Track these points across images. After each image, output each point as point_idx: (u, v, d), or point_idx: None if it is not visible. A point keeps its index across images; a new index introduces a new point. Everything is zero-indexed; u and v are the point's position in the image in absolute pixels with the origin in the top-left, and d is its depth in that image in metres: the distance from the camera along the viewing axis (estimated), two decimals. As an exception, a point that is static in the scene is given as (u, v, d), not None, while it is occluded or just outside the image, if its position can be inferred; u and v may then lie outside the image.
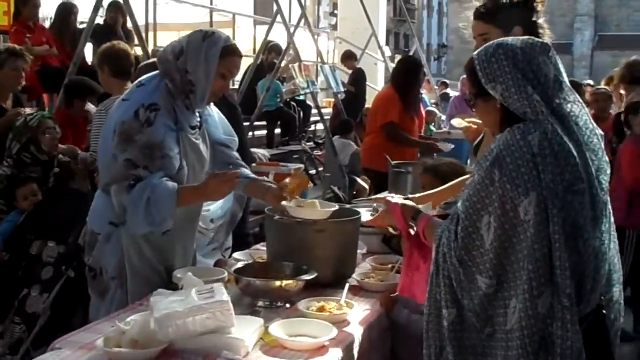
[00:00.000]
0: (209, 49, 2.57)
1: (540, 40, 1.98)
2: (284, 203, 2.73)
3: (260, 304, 2.47)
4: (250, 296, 2.49)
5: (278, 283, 2.44)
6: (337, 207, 2.80)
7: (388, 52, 14.45)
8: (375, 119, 6.00)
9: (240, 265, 2.65)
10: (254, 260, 2.92)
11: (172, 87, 2.60)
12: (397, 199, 2.40)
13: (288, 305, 2.47)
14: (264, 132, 9.55)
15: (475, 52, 1.98)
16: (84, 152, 4.42)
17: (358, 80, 10.96)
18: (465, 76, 2.16)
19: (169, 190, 2.50)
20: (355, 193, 8.18)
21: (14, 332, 3.44)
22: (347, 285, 2.57)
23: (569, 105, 1.92)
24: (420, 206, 2.33)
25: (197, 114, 2.76)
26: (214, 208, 3.65)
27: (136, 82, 2.72)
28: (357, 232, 2.80)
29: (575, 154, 1.85)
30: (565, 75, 1.97)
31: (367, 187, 7.70)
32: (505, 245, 1.83)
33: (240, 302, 2.47)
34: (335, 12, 17.55)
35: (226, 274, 2.65)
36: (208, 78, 2.58)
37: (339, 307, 2.40)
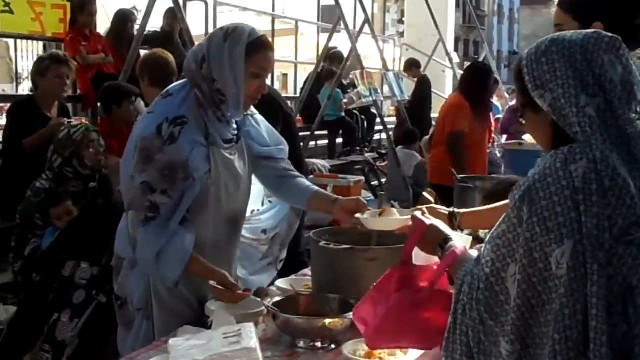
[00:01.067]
0: (232, 48, 2.25)
1: (609, 34, 1.51)
2: (357, 215, 2.38)
3: (301, 344, 2.14)
4: (289, 335, 2.16)
5: (321, 321, 2.11)
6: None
7: (456, 58, 14.04)
8: (442, 129, 5.59)
9: (277, 297, 2.31)
10: (295, 290, 2.59)
11: (202, 97, 2.31)
12: (427, 216, 1.96)
13: (333, 346, 2.13)
14: (326, 142, 9.29)
15: (525, 51, 1.57)
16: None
17: (422, 88, 10.56)
18: None
19: (183, 253, 2.26)
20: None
21: None
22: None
23: None
24: (454, 234, 1.87)
25: (235, 125, 2.45)
26: (266, 217, 3.36)
27: (163, 91, 2.42)
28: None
29: (634, 191, 1.41)
30: None
31: (432, 200, 7.35)
32: (532, 304, 1.42)
33: (278, 341, 2.16)
34: (403, 19, 17.21)
35: (263, 307, 2.33)
36: (238, 82, 2.26)
37: (390, 351, 2.05)
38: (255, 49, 2.27)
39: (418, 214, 1.97)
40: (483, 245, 1.60)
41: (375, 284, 1.92)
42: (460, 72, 13.69)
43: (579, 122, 1.44)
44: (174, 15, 6.98)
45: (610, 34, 1.52)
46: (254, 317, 2.30)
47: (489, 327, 1.50)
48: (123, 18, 7.09)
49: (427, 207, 2.32)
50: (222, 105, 2.31)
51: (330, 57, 9.17)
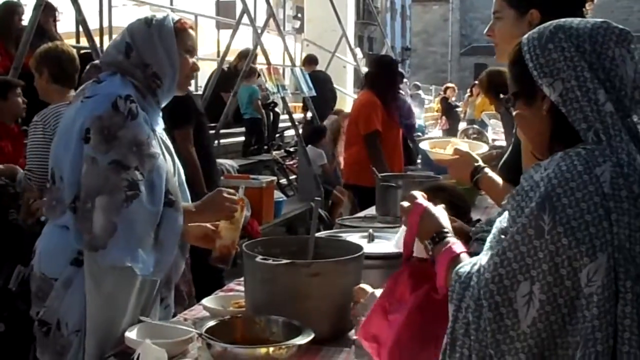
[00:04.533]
0: (160, 30, 2.25)
1: (619, 26, 1.38)
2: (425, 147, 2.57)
3: (241, 374, 1.89)
4: (226, 366, 1.90)
5: (264, 349, 1.85)
6: (486, 147, 2.31)
7: (359, 54, 14.01)
8: (356, 128, 5.41)
9: (211, 322, 2.03)
10: (226, 309, 2.33)
11: (138, 84, 2.22)
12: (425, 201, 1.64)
13: (277, 376, 1.88)
14: (229, 140, 9.00)
15: (525, 36, 1.43)
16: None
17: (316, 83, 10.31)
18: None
19: (178, 226, 2.21)
20: (331, 205, 7.68)
21: None
22: (353, 343, 1.99)
23: None
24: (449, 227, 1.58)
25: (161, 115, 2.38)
26: None
27: (90, 81, 2.28)
28: (360, 273, 2.21)
29: None
30: None
31: (344, 199, 7.21)
32: (554, 329, 1.26)
33: (213, 373, 1.89)
34: (299, 15, 17.10)
35: (193, 333, 2.05)
36: (173, 61, 2.25)
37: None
38: (183, 28, 2.30)
39: (417, 193, 1.66)
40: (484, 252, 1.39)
41: (378, 292, 1.72)
42: (365, 69, 13.74)
43: (600, 119, 1.28)
44: (46, 8, 6.51)
45: (620, 26, 1.37)
46: (184, 344, 2.04)
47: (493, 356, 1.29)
48: (9, 11, 6.53)
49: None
50: (158, 90, 2.27)
51: (242, 54, 8.88)
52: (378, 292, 2.01)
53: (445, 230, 1.56)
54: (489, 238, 1.42)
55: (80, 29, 6.78)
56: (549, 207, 1.25)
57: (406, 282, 1.48)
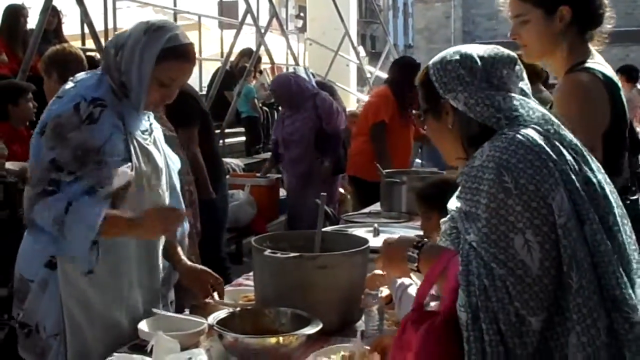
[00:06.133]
0: (147, 47, 2.09)
1: (507, 52, 1.67)
2: None
3: (251, 364, 1.95)
4: (237, 356, 1.96)
5: (273, 339, 1.92)
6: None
7: (362, 52, 14.01)
8: (365, 119, 5.48)
9: (222, 313, 2.10)
10: (237, 303, 2.39)
11: (114, 85, 2.14)
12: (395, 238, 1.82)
13: (286, 365, 1.95)
14: (234, 140, 9.05)
15: (431, 61, 1.69)
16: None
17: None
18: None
19: (92, 219, 1.98)
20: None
21: None
22: (359, 333, 2.05)
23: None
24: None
25: (147, 118, 2.28)
26: None
27: (70, 79, 2.22)
28: (366, 265, 2.28)
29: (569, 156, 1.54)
30: (532, 98, 1.66)
31: (347, 195, 7.23)
32: (559, 263, 1.45)
33: (225, 363, 1.96)
34: (302, 14, 17.09)
35: (205, 324, 2.11)
36: (142, 84, 2.10)
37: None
38: (171, 56, 2.11)
39: (390, 238, 1.82)
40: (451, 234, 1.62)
41: (399, 281, 1.94)
42: (368, 67, 13.75)
43: (504, 108, 1.57)
44: (54, 13, 6.56)
45: (508, 52, 1.66)
46: (196, 336, 2.10)
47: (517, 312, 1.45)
48: (14, 14, 6.56)
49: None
50: (125, 99, 2.15)
51: (243, 53, 8.92)
52: (399, 280, 2.07)
53: (422, 240, 1.71)
54: (447, 224, 1.65)
55: (86, 30, 6.83)
56: (505, 170, 1.47)
57: (411, 328, 1.55)
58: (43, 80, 3.66)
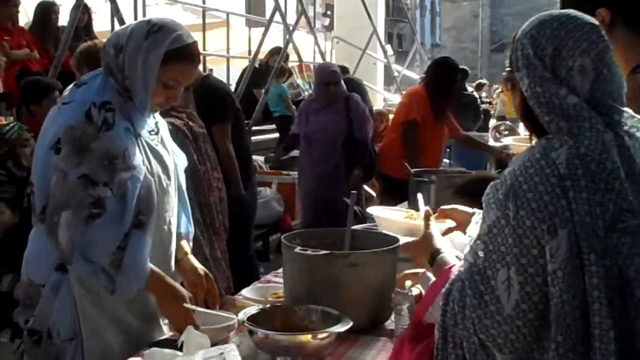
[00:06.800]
0: (150, 50, 2.02)
1: (590, 20, 1.44)
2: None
3: (281, 360, 1.95)
4: (268, 352, 1.96)
5: (304, 336, 1.92)
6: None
7: (390, 50, 13.98)
8: (397, 116, 5.52)
9: (252, 309, 2.10)
10: (266, 299, 2.39)
11: (117, 86, 2.08)
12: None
13: (316, 363, 1.95)
14: (261, 137, 9.07)
15: (527, 22, 1.49)
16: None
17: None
18: None
19: (143, 261, 2.00)
20: (364, 200, 7.68)
21: None
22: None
23: (624, 120, 1.41)
24: (447, 245, 1.76)
25: (152, 116, 2.22)
26: None
27: (77, 80, 2.17)
28: (396, 264, 2.27)
29: (623, 175, 1.32)
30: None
31: (374, 194, 7.21)
32: (540, 308, 1.33)
33: (255, 359, 1.96)
34: (329, 12, 17.10)
35: (235, 320, 2.12)
36: (147, 89, 2.05)
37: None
38: (175, 58, 2.05)
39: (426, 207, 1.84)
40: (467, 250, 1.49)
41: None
42: (395, 66, 13.72)
43: (563, 113, 1.37)
44: (84, 10, 6.62)
45: (591, 20, 1.44)
46: (226, 331, 2.11)
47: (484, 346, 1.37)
48: (46, 10, 6.65)
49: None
50: (129, 101, 2.09)
51: (273, 52, 8.93)
52: (433, 278, 2.06)
53: (439, 250, 1.71)
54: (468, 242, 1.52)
55: (116, 26, 6.88)
56: (513, 195, 1.33)
57: (408, 347, 1.55)
58: (74, 76, 3.71)
